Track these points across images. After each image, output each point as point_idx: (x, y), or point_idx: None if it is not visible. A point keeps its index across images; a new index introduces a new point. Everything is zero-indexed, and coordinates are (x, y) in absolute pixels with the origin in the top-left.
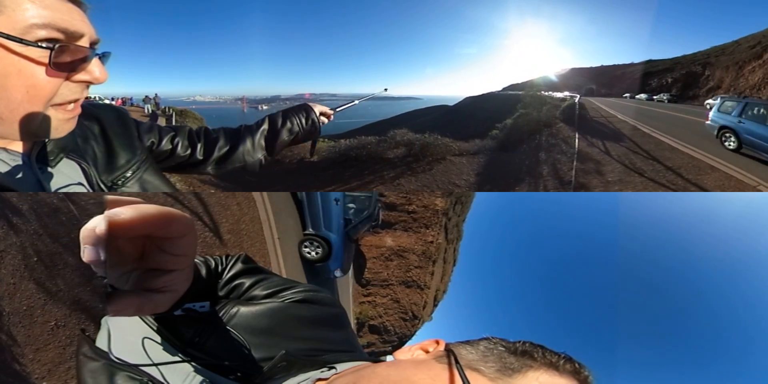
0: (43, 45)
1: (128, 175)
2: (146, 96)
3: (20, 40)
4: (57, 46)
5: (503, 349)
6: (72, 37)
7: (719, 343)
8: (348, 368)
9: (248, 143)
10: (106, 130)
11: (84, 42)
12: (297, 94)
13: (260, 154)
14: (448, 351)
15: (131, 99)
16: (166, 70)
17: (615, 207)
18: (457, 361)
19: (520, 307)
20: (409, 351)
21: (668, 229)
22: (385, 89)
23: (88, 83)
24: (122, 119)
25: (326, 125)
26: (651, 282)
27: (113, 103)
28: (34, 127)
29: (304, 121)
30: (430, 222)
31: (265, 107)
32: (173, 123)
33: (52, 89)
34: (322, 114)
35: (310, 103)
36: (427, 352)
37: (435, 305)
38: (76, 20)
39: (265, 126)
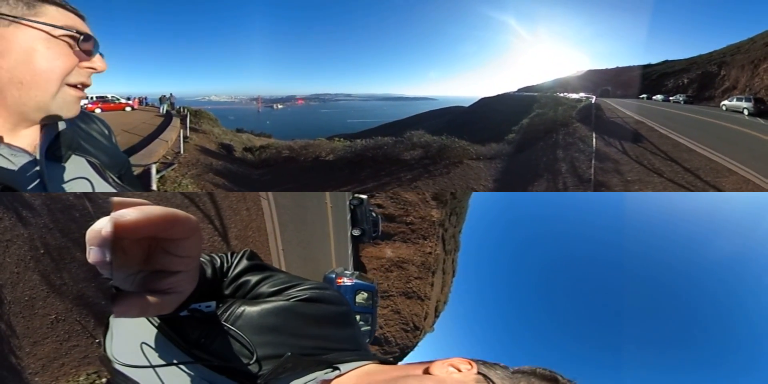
0: (75, 31)
1: (122, 173)
2: (162, 95)
3: (63, 28)
4: (82, 36)
5: (528, 374)
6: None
7: (728, 346)
8: (353, 369)
9: None
10: (101, 133)
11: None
12: (312, 95)
13: None
14: (484, 376)
15: (146, 98)
16: (181, 70)
17: (619, 207)
18: None
19: (522, 310)
20: (443, 366)
21: (674, 229)
22: None
23: (92, 70)
24: (110, 133)
25: (344, 124)
26: (657, 283)
27: (130, 102)
28: (48, 98)
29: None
30: (427, 233)
31: (280, 106)
32: (188, 123)
33: (68, 66)
34: None
35: None
36: (459, 370)
37: (436, 316)
38: (86, 26)
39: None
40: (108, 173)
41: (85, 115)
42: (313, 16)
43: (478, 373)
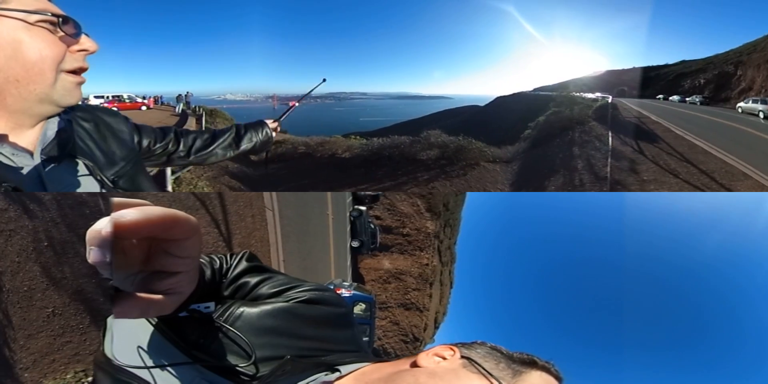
0: (50, 14)
1: (122, 172)
2: (179, 95)
3: (37, 12)
4: (62, 18)
5: (507, 356)
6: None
7: (730, 347)
8: (354, 370)
9: (220, 141)
10: (101, 129)
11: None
12: (328, 93)
13: (227, 151)
14: (468, 359)
15: (162, 97)
16: (197, 68)
17: (620, 207)
18: (490, 373)
19: (523, 315)
20: (428, 357)
21: (677, 229)
22: (324, 80)
23: (85, 52)
24: (117, 122)
25: (356, 122)
26: (659, 284)
27: (145, 101)
28: (48, 88)
29: (260, 134)
30: (423, 245)
31: (296, 104)
32: (203, 123)
33: (60, 53)
34: (273, 129)
35: (264, 120)
36: (444, 358)
37: (436, 327)
38: (56, 7)
39: (233, 131)
40: (102, 176)
41: (96, 109)
42: (329, 15)
43: (462, 357)
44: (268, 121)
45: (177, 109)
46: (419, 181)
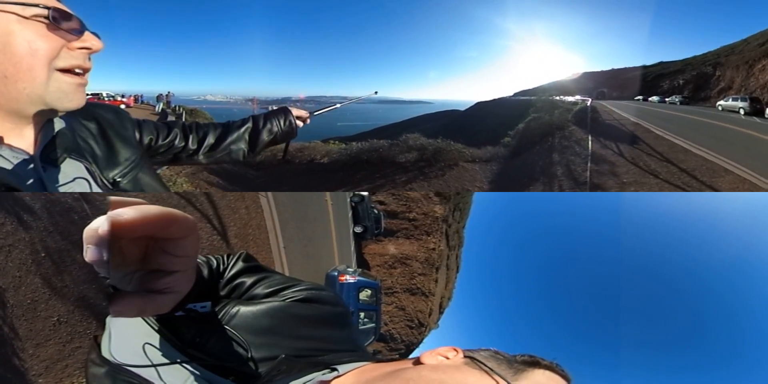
0: (40, 5)
1: (125, 172)
2: (159, 94)
3: (34, 5)
4: (53, 7)
5: (509, 357)
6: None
7: (724, 348)
8: (351, 370)
9: (234, 136)
10: (104, 129)
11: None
12: (307, 97)
13: (243, 146)
14: (471, 358)
15: (142, 96)
16: (178, 68)
17: (619, 207)
18: (492, 370)
19: (526, 311)
20: (432, 355)
21: (677, 229)
22: (376, 92)
23: (86, 50)
24: (120, 119)
25: (334, 127)
26: (658, 283)
27: (124, 99)
28: (39, 88)
29: (282, 123)
30: (430, 229)
31: (275, 108)
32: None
33: (52, 48)
34: (298, 117)
35: (290, 107)
36: (447, 358)
37: (441, 312)
38: (61, 4)
39: (249, 124)
40: (102, 178)
41: (97, 107)
42: (311, 19)
43: (465, 356)
44: (294, 109)
45: (157, 109)
46: (397, 183)
